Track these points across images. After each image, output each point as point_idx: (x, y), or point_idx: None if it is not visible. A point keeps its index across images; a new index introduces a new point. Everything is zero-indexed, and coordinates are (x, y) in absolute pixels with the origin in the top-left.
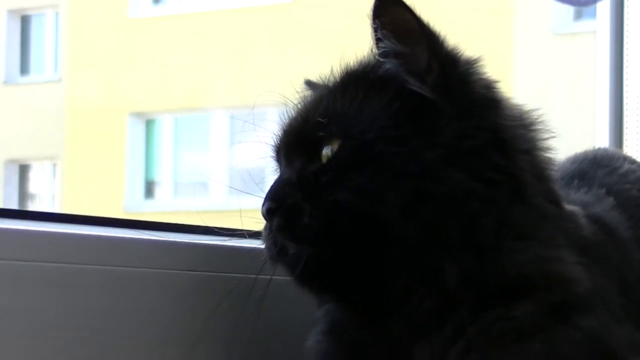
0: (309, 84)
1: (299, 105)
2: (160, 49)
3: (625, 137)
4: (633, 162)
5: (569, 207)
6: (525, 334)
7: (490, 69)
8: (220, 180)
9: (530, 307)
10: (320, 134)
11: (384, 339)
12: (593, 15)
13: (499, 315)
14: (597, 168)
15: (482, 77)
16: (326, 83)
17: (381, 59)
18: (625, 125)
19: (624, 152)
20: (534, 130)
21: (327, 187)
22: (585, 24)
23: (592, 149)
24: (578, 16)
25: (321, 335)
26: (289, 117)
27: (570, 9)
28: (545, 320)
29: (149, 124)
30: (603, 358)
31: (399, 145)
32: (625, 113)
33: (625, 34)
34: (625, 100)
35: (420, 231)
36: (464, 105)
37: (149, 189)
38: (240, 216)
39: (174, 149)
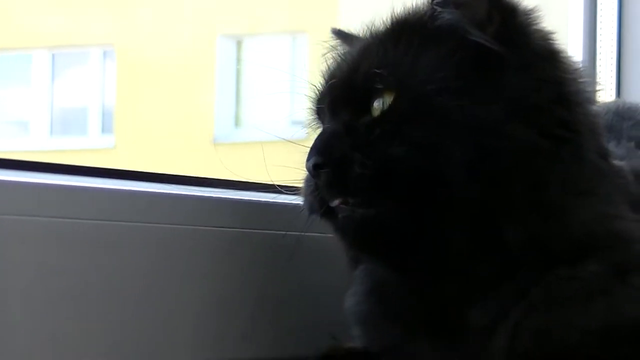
0: (340, 34)
1: (341, 55)
2: None
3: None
4: None
5: (615, 161)
6: (591, 294)
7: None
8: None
9: (595, 267)
10: (376, 85)
11: (434, 301)
12: None
13: (564, 276)
14: (622, 121)
15: (540, 27)
16: (370, 33)
17: (439, 9)
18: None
19: None
20: (587, 82)
21: (381, 140)
22: None
23: (612, 100)
24: None
25: (362, 296)
26: (331, 67)
27: None
28: (609, 280)
29: None
30: None
31: (461, 98)
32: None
33: None
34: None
35: (483, 189)
36: (527, 57)
37: None
38: None
39: None
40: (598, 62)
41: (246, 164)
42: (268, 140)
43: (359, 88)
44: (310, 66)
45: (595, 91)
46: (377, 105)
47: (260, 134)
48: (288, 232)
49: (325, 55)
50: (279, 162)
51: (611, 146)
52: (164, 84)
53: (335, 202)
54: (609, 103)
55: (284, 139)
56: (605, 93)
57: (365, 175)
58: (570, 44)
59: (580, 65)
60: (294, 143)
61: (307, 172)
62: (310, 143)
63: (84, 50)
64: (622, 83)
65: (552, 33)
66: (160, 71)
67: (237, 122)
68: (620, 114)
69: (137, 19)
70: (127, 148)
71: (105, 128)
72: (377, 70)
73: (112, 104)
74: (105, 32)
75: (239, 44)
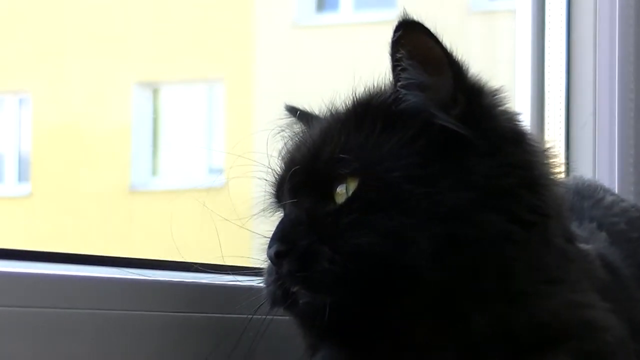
0: (295, 111)
1: (301, 137)
2: None
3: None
4: (612, 193)
5: (582, 245)
6: None
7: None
8: None
9: (566, 359)
10: (339, 171)
11: None
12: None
13: None
14: (582, 200)
15: (506, 108)
16: (330, 114)
17: (404, 91)
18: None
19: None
20: (553, 165)
21: (348, 230)
22: (333, 16)
23: (570, 178)
24: (320, 8)
25: None
26: (290, 149)
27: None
28: None
29: None
30: None
31: (428, 185)
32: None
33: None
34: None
35: (451, 278)
36: (493, 140)
37: None
38: None
39: None
40: (546, 127)
41: (163, 212)
42: (185, 189)
43: (321, 174)
44: (226, 115)
45: (559, 172)
46: (340, 190)
47: (177, 182)
48: (248, 315)
49: (280, 134)
50: (196, 210)
51: (574, 227)
52: (80, 131)
53: (296, 287)
54: (568, 181)
55: (201, 188)
56: (564, 172)
57: (333, 271)
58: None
59: (546, 147)
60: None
61: (267, 260)
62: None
63: None
64: (571, 151)
65: (518, 114)
66: (76, 118)
67: (154, 171)
68: (580, 192)
69: (53, 66)
70: (44, 196)
71: (22, 176)
72: (341, 156)
73: (28, 152)
74: (21, 80)
75: (155, 92)
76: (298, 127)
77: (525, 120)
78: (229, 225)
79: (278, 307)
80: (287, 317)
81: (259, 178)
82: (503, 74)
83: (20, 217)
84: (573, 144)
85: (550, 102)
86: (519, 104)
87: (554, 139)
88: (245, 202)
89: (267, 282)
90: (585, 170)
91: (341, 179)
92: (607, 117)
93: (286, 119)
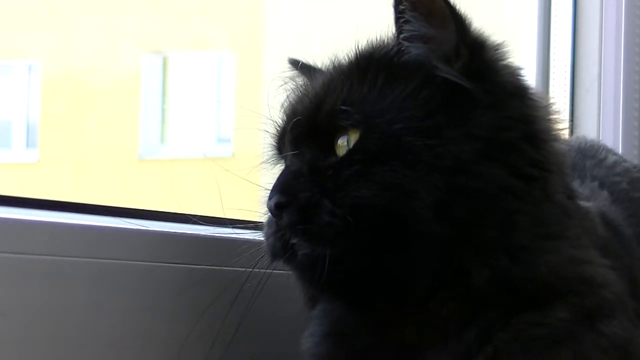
0: (299, 65)
1: (304, 89)
2: None
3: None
4: (614, 153)
5: (582, 203)
6: (558, 341)
7: None
8: None
9: (564, 313)
10: (341, 123)
11: (394, 344)
12: None
13: (531, 321)
14: (584, 159)
15: (509, 63)
16: (333, 66)
17: (406, 43)
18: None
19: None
20: (555, 120)
21: (349, 182)
22: None
23: (573, 137)
24: None
25: (321, 337)
26: (292, 101)
27: None
28: (578, 327)
29: None
30: None
31: (430, 137)
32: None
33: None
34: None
35: (453, 230)
36: (496, 93)
37: None
38: None
39: None
40: (551, 90)
41: (171, 180)
42: (193, 158)
43: (323, 125)
44: (236, 84)
45: (562, 129)
46: (342, 142)
47: (185, 151)
48: (247, 269)
49: (283, 87)
50: (204, 179)
51: (575, 185)
52: (89, 99)
53: (295, 239)
54: (571, 140)
55: (209, 157)
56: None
57: (333, 224)
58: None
59: (548, 102)
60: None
61: (268, 213)
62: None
63: (8, 63)
64: (576, 115)
65: (520, 69)
66: (85, 86)
67: (162, 139)
68: (583, 151)
69: (63, 33)
70: (51, 163)
71: (30, 142)
72: (343, 107)
73: (37, 118)
74: (30, 46)
75: (164, 60)
76: (301, 80)
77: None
78: (237, 190)
79: (278, 259)
80: (287, 270)
81: (264, 131)
82: (509, 38)
83: (27, 184)
84: (578, 108)
85: (555, 66)
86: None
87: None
88: (253, 163)
89: (266, 235)
90: (589, 134)
91: (343, 131)
92: (612, 81)
93: (289, 72)
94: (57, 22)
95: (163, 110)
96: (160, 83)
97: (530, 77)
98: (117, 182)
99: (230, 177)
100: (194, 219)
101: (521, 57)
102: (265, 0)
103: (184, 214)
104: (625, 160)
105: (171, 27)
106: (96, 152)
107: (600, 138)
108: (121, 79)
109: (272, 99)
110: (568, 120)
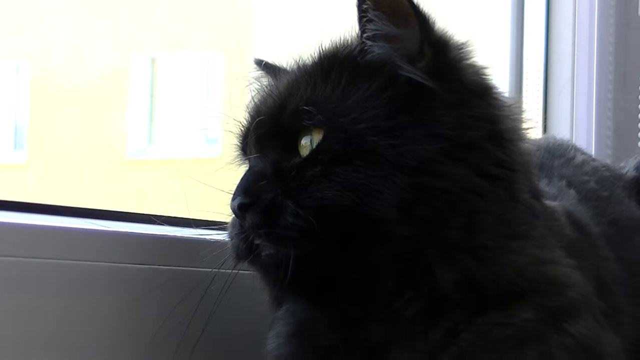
0: (264, 65)
1: (267, 89)
2: None
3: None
4: (583, 152)
5: (548, 202)
6: (523, 341)
7: None
8: None
9: (529, 313)
10: (304, 123)
11: (359, 344)
12: None
13: (496, 321)
14: (553, 158)
15: (473, 62)
16: (297, 66)
17: (370, 42)
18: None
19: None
20: (520, 120)
21: (312, 183)
22: None
23: (542, 137)
24: None
25: (285, 338)
26: (256, 101)
27: None
28: (543, 327)
29: None
30: None
31: (394, 136)
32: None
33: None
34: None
35: (417, 230)
36: (459, 93)
37: None
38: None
39: None
40: (525, 89)
41: (159, 180)
42: (181, 158)
43: (286, 126)
44: (225, 85)
45: (528, 128)
46: (305, 143)
47: (173, 151)
48: (212, 270)
49: (249, 87)
50: (192, 179)
51: (542, 185)
52: (77, 100)
53: (259, 240)
54: (540, 140)
55: (196, 157)
56: (535, 128)
57: (297, 225)
58: (497, 76)
59: (513, 102)
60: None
61: (232, 214)
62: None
63: None
64: (549, 115)
65: (484, 68)
66: (73, 87)
67: (150, 139)
68: (551, 151)
69: (51, 33)
70: (39, 164)
71: (18, 144)
72: (306, 107)
73: (25, 119)
74: (18, 47)
75: (153, 61)
76: (266, 80)
77: (505, 85)
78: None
79: (242, 260)
80: (252, 271)
81: (228, 131)
82: (482, 39)
83: (15, 185)
84: (551, 107)
85: (528, 65)
86: (498, 69)
87: (532, 103)
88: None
89: (231, 236)
90: (563, 133)
91: (306, 131)
92: (586, 81)
93: (255, 72)
94: (44, 23)
95: (151, 111)
96: (148, 83)
97: (503, 77)
98: (105, 182)
99: (218, 177)
100: (158, 220)
101: (495, 56)
102: (254, 1)
103: (148, 215)
104: (594, 159)
105: (160, 27)
106: (84, 153)
107: (574, 137)
108: (109, 80)
109: (236, 99)
110: (541, 119)
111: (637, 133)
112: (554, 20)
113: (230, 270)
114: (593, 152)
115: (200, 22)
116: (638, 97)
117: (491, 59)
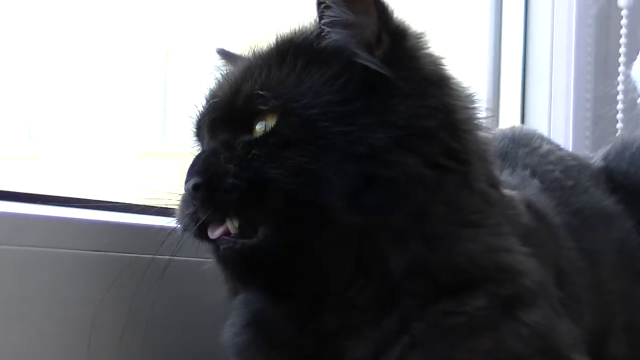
0: (224, 53)
1: (223, 76)
2: None
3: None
4: (550, 142)
5: (506, 191)
6: (476, 329)
7: None
8: None
9: (481, 301)
10: (258, 107)
11: (313, 333)
12: None
13: (448, 309)
14: (517, 148)
15: (431, 52)
16: (254, 53)
17: (327, 29)
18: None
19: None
20: (476, 109)
21: (257, 159)
22: None
23: (508, 127)
24: None
25: (241, 327)
26: (212, 88)
27: None
28: (496, 315)
29: None
30: (548, 354)
31: (346, 123)
32: None
33: None
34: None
35: (365, 217)
36: (415, 82)
37: None
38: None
39: None
40: (503, 79)
41: (172, 174)
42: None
43: (240, 109)
44: None
45: (486, 117)
46: (260, 128)
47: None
48: (156, 256)
49: (209, 75)
50: None
51: (505, 174)
52: (90, 92)
53: (217, 234)
54: (505, 129)
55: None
56: (510, 118)
57: (237, 186)
58: (475, 67)
59: (471, 91)
60: None
61: (185, 193)
62: None
63: None
64: (527, 105)
65: (442, 58)
66: (86, 78)
67: (164, 132)
68: (516, 140)
69: (64, 26)
70: (53, 156)
71: (32, 136)
72: (260, 92)
73: (39, 111)
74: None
75: (167, 53)
76: (225, 69)
77: (483, 76)
78: None
79: (189, 232)
80: (211, 260)
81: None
82: (461, 31)
83: (28, 177)
84: (529, 97)
85: (506, 55)
86: (476, 60)
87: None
88: None
89: (182, 213)
90: (540, 125)
91: (260, 116)
92: (564, 70)
93: (217, 62)
94: (61, 15)
95: (165, 103)
96: (162, 75)
97: (482, 67)
98: (118, 175)
99: None
100: (104, 205)
101: (473, 47)
102: None
103: (97, 200)
104: (560, 149)
105: (173, 20)
106: (97, 145)
107: (551, 127)
108: (124, 72)
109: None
110: (520, 109)
111: (616, 124)
112: (532, 9)
113: (182, 258)
114: (571, 143)
115: (214, 16)
116: (617, 87)
117: (469, 50)
